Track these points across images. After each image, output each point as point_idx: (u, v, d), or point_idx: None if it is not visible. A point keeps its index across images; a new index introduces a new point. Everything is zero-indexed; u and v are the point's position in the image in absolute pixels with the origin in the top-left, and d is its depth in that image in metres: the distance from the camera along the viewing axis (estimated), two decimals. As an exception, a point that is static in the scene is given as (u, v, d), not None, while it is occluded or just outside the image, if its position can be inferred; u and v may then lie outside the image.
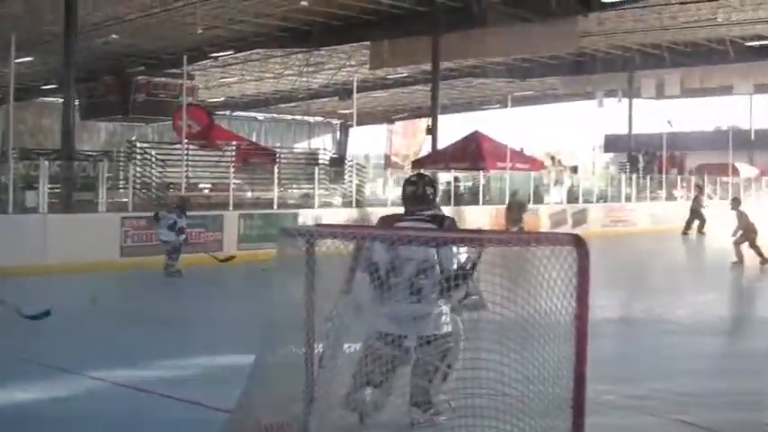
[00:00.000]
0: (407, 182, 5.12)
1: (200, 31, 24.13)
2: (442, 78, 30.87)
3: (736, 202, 17.64)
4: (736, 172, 37.83)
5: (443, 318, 4.73)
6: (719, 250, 23.01)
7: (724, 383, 6.91)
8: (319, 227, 5.32)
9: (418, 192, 4.99)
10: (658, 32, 29.49)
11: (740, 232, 16.40)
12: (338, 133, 54.93)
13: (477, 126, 33.50)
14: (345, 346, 4.65)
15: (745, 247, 16.16)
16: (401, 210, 5.19)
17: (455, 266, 4.60)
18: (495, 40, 25.70)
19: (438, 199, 5.65)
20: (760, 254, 16.01)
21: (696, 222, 26.94)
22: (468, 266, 4.57)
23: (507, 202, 21.03)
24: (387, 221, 5.10)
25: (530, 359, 4.03)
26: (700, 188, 29.83)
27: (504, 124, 39.53)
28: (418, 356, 4.71)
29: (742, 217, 16.61)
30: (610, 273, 14.58)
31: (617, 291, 12.60)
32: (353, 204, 20.69)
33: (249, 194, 20.77)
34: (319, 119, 53.43)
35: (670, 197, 32.31)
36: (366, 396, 4.68)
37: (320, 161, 25.45)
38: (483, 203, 23.81)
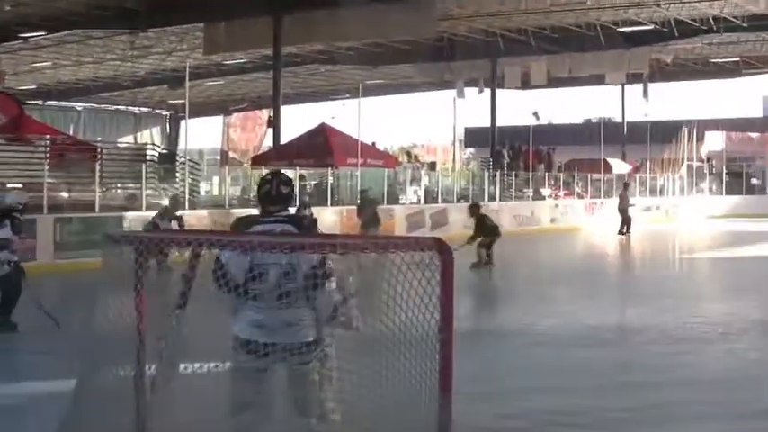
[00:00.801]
0: (262, 181, 5.17)
1: (7, 8, 23.12)
2: (285, 65, 30.73)
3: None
4: (608, 168, 39.68)
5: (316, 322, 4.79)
6: (591, 254, 24.31)
7: (597, 399, 7.25)
8: (151, 233, 5.24)
9: (272, 191, 5.02)
10: (523, 16, 30.33)
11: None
12: (168, 126, 53.83)
13: (324, 118, 33.69)
14: (182, 366, 4.61)
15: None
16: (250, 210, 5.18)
17: (309, 267, 4.66)
18: (344, 23, 25.89)
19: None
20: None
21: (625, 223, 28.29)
22: (319, 267, 4.63)
23: (358, 202, 21.29)
24: (243, 223, 5.13)
25: (389, 378, 4.08)
26: (626, 186, 31.15)
27: (354, 116, 39.85)
28: (294, 366, 4.73)
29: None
30: (472, 281, 15.05)
31: (480, 299, 13.03)
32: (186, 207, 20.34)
33: (66, 195, 20.10)
34: (146, 110, 52.29)
35: (537, 196, 33.51)
36: (245, 421, 4.66)
37: (148, 157, 24.86)
38: (332, 204, 23.96)
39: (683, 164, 41.60)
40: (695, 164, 42.65)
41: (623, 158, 45.52)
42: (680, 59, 41.22)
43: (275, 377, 4.74)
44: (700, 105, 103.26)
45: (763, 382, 7.99)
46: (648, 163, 40.87)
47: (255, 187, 5.40)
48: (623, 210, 28.74)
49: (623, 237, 27.65)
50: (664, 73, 42.94)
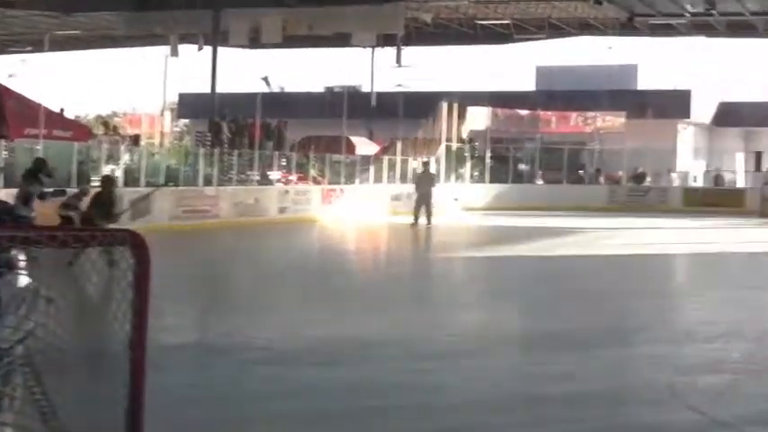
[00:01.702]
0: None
1: None
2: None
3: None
4: (351, 148, 40.48)
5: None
6: (325, 251, 24.95)
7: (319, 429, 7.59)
8: None
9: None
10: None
11: None
12: None
13: (-2, 76, 32.34)
14: None
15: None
16: None
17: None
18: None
19: None
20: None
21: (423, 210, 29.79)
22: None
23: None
24: None
25: (60, 403, 4.05)
26: (426, 165, 32.19)
27: (37, 75, 38.39)
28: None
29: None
30: (180, 283, 15.13)
31: (188, 307, 13.14)
32: None
33: None
34: None
35: (264, 180, 33.82)
36: None
37: None
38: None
39: (440, 144, 42.92)
40: (455, 145, 44.22)
41: (370, 137, 46.62)
42: (441, 20, 42.95)
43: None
44: (463, 75, 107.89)
45: (516, 405, 8.59)
46: (400, 143, 41.99)
47: None
48: (424, 195, 30.31)
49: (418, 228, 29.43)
50: (422, 35, 44.57)
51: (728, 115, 57.87)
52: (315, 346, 10.64)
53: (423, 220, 30.41)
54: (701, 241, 28.10)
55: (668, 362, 10.12)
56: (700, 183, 51.51)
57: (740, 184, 51.78)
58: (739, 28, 44.21)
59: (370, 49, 46.91)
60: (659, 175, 48.96)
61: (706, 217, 38.44)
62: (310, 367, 9.59)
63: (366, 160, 39.25)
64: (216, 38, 37.40)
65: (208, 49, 38.20)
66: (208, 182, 30.06)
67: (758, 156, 52.96)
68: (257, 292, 15.53)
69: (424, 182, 31.83)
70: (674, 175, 48.77)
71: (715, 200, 45.04)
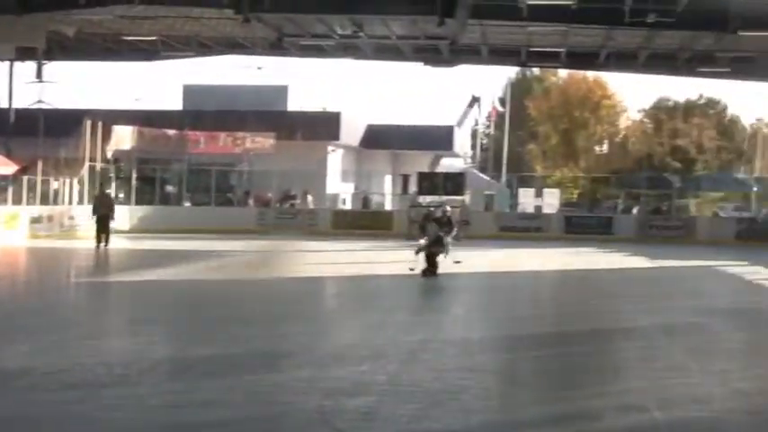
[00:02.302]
0: None
1: None
2: None
3: None
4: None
5: None
6: None
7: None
8: None
9: None
10: None
11: None
12: None
13: None
14: None
15: None
16: None
17: None
18: None
19: None
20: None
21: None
22: None
23: None
24: None
25: None
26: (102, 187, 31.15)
27: None
28: None
29: None
30: None
31: None
32: None
33: None
34: None
35: None
36: None
37: None
38: None
39: (84, 164, 42.10)
40: (99, 165, 43.50)
41: (9, 155, 45.12)
42: (85, 34, 42.16)
43: None
44: (109, 93, 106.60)
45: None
46: (41, 162, 40.78)
47: None
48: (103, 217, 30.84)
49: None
50: (65, 50, 43.60)
51: (377, 138, 60.31)
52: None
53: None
54: (351, 262, 29.17)
55: (316, 386, 10.44)
56: (349, 205, 53.31)
57: (388, 206, 54.04)
58: (386, 51, 46.20)
59: (9, 63, 45.37)
60: (308, 198, 50.22)
61: (355, 239, 39.88)
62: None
63: (3, 180, 37.92)
64: None
65: None
66: None
67: (405, 178, 55.39)
68: None
69: (104, 204, 31.70)
70: (309, 197, 50.04)
71: (364, 222, 46.80)
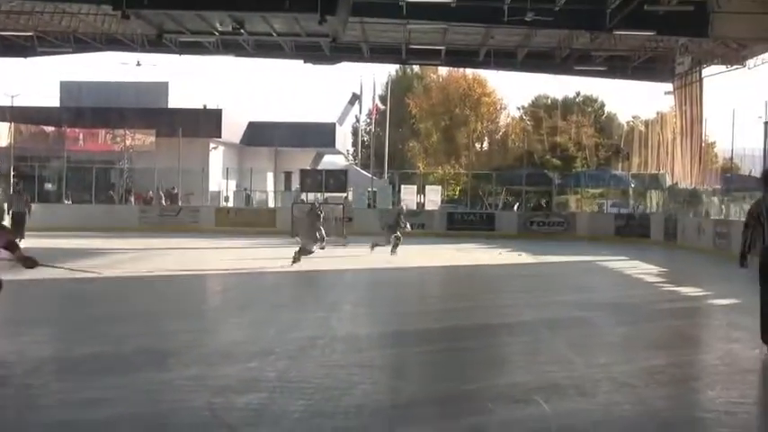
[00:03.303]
0: None
1: None
2: None
3: None
4: None
5: None
6: None
7: None
8: None
9: None
10: None
11: None
12: None
13: None
14: None
15: None
16: None
17: None
18: None
19: None
20: None
21: None
22: None
23: None
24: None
25: None
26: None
27: None
28: None
29: None
30: None
31: None
32: None
33: None
34: None
35: None
36: None
37: None
38: None
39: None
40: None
41: None
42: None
43: None
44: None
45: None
46: None
47: None
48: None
49: None
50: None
51: (258, 135, 60.14)
52: None
53: None
54: (235, 258, 29.03)
55: (205, 383, 10.38)
56: (231, 203, 53.07)
57: (271, 203, 53.93)
58: (268, 48, 46.14)
59: None
60: (191, 195, 49.87)
61: (240, 237, 39.70)
62: None
63: None
64: None
65: None
66: None
67: (288, 175, 55.35)
68: None
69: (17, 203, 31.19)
70: (191, 195, 49.72)
71: (247, 219, 46.62)
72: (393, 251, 30.93)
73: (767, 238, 12.59)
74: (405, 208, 35.92)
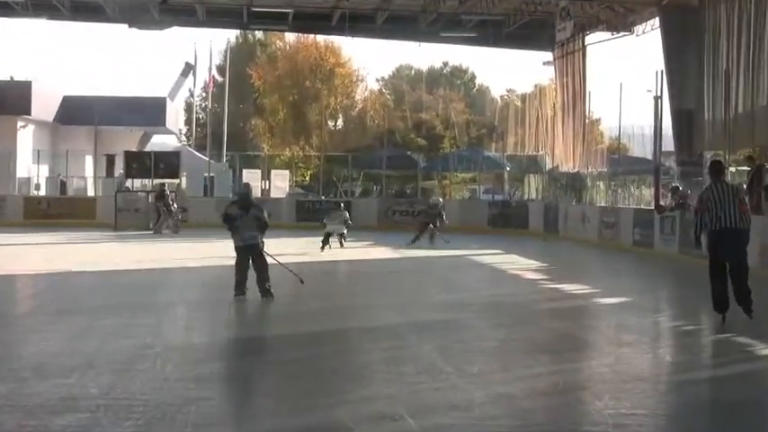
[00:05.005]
0: None
1: None
2: None
3: None
4: None
5: None
6: None
7: None
8: None
9: None
10: None
11: None
12: None
13: None
14: None
15: None
16: None
17: None
18: None
19: None
20: None
21: None
22: None
23: None
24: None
25: None
26: None
27: None
28: None
29: None
30: None
31: None
32: None
33: None
34: None
35: None
36: None
37: None
38: None
39: None
40: None
41: None
42: None
43: None
44: None
45: None
46: None
47: None
48: None
49: None
50: None
51: (75, 112, 59.07)
52: None
53: None
54: (48, 258, 28.52)
55: (15, 403, 10.18)
56: (43, 191, 52.11)
57: (91, 191, 53.12)
58: (87, 11, 45.41)
59: None
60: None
61: (52, 231, 38.96)
62: None
63: None
64: None
65: None
66: None
67: (111, 159, 54.48)
68: None
69: None
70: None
71: (62, 210, 45.89)
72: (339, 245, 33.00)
73: (715, 221, 15.58)
74: (441, 201, 40.00)
